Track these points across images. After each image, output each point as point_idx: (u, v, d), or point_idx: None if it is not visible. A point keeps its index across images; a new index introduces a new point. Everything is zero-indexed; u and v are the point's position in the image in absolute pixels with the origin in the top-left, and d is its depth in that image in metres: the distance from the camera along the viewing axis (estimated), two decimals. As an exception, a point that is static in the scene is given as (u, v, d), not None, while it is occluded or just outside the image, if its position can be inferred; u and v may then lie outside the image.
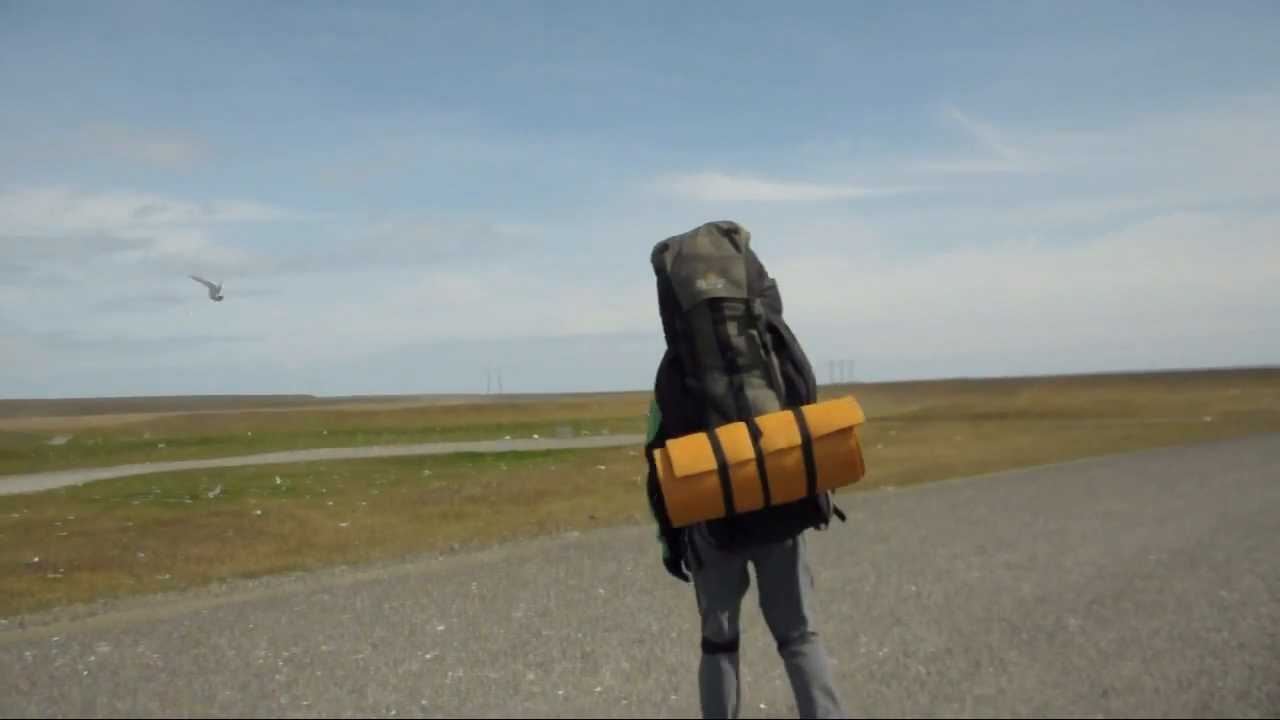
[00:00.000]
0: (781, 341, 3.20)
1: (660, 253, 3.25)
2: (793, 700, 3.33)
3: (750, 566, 3.38)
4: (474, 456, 24.95)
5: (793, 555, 3.33)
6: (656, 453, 3.08)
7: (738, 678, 3.31)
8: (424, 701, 4.69)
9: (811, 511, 3.16)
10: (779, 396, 3.15)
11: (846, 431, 3.04)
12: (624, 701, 4.61)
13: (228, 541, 10.29)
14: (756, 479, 2.98)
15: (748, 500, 3.00)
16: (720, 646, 3.33)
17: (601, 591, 7.01)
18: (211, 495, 15.87)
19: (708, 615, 3.35)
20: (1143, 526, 9.21)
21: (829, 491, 3.18)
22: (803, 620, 3.32)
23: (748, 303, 3.15)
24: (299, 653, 5.62)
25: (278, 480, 18.37)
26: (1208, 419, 36.44)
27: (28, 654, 5.84)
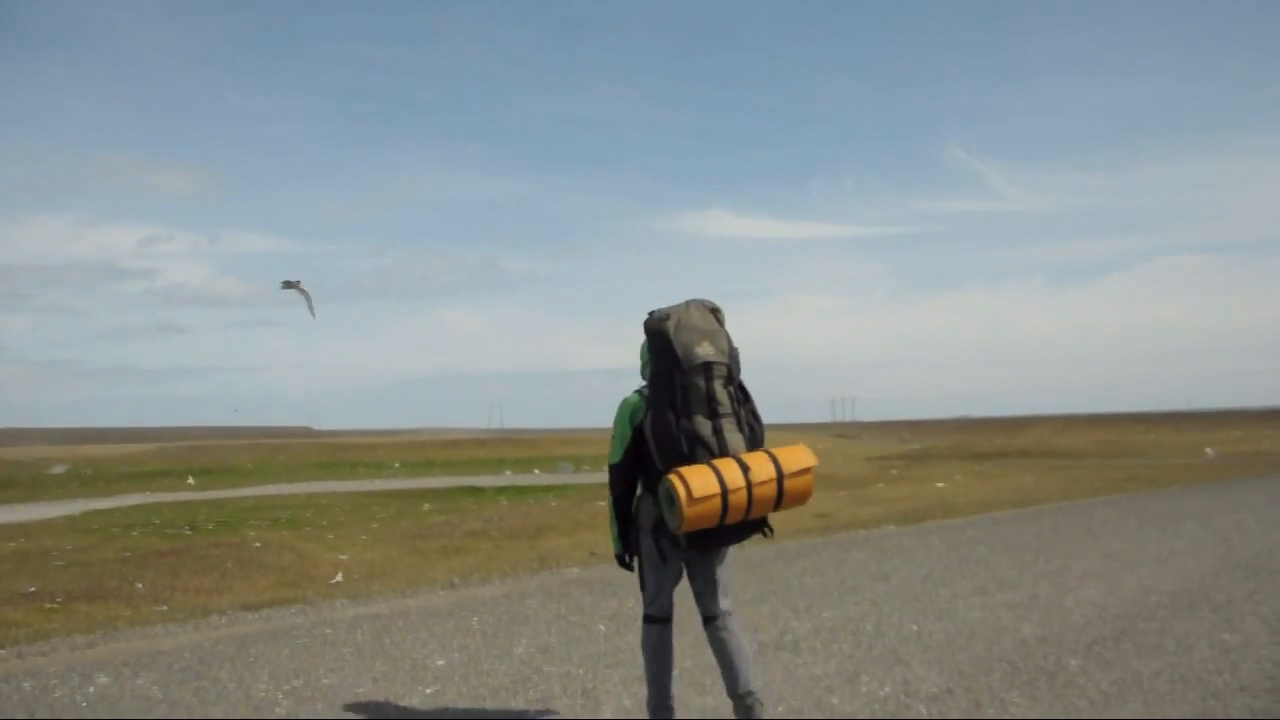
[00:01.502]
0: (746, 396, 4.29)
1: (663, 321, 4.21)
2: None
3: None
4: (475, 491, 24.86)
5: (727, 555, 4.46)
6: (673, 479, 3.98)
7: (729, 641, 4.34)
8: (424, 736, 4.69)
9: (759, 525, 4.30)
10: (745, 439, 4.21)
11: (808, 470, 4.18)
12: (624, 738, 4.60)
13: (227, 573, 10.27)
14: (745, 502, 4.03)
15: (735, 516, 4.05)
16: (663, 619, 4.46)
17: (602, 628, 7.00)
18: (210, 527, 15.84)
19: (655, 597, 4.45)
20: (1144, 567, 9.19)
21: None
22: (725, 602, 4.41)
23: (729, 366, 4.22)
24: (300, 686, 5.62)
25: (278, 512, 18.34)
26: (1210, 452, 36.37)
27: (26, 685, 5.84)
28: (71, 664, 6.40)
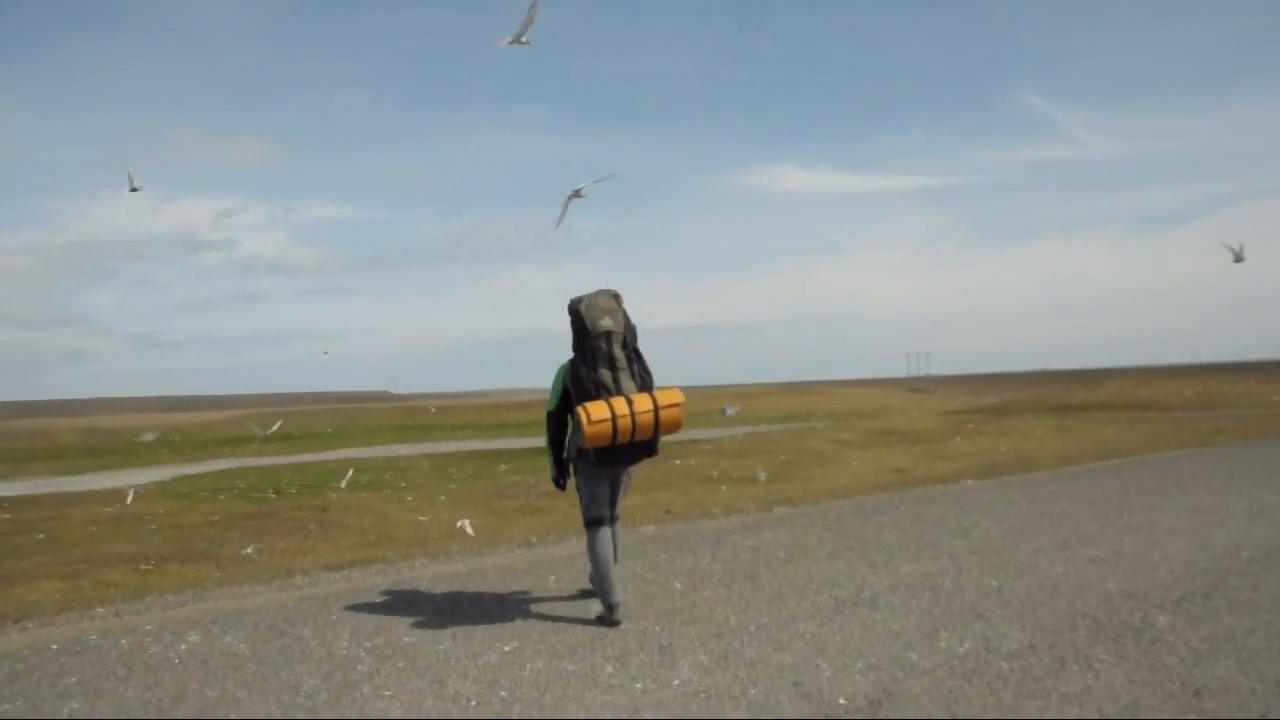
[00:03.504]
0: (638, 356, 5.96)
1: (578, 304, 5.92)
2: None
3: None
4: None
5: (628, 475, 6.26)
6: (578, 408, 5.69)
7: (614, 538, 6.21)
8: (503, 693, 4.75)
9: (650, 449, 5.90)
10: (636, 385, 5.87)
11: (677, 404, 5.79)
12: (702, 695, 4.61)
13: (310, 535, 10.51)
14: (630, 425, 5.67)
15: (624, 437, 5.68)
16: (599, 522, 6.05)
17: (678, 585, 7.01)
18: (293, 490, 16.23)
19: (589, 506, 6.10)
20: (1234, 521, 8.93)
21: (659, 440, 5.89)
22: (617, 510, 6.28)
23: (624, 335, 5.92)
24: (380, 644, 5.72)
25: (358, 475, 18.71)
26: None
27: (123, 641, 6.04)
28: (164, 622, 6.60)
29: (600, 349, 5.83)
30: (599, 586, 6.00)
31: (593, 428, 5.59)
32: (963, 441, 21.68)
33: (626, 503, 12.64)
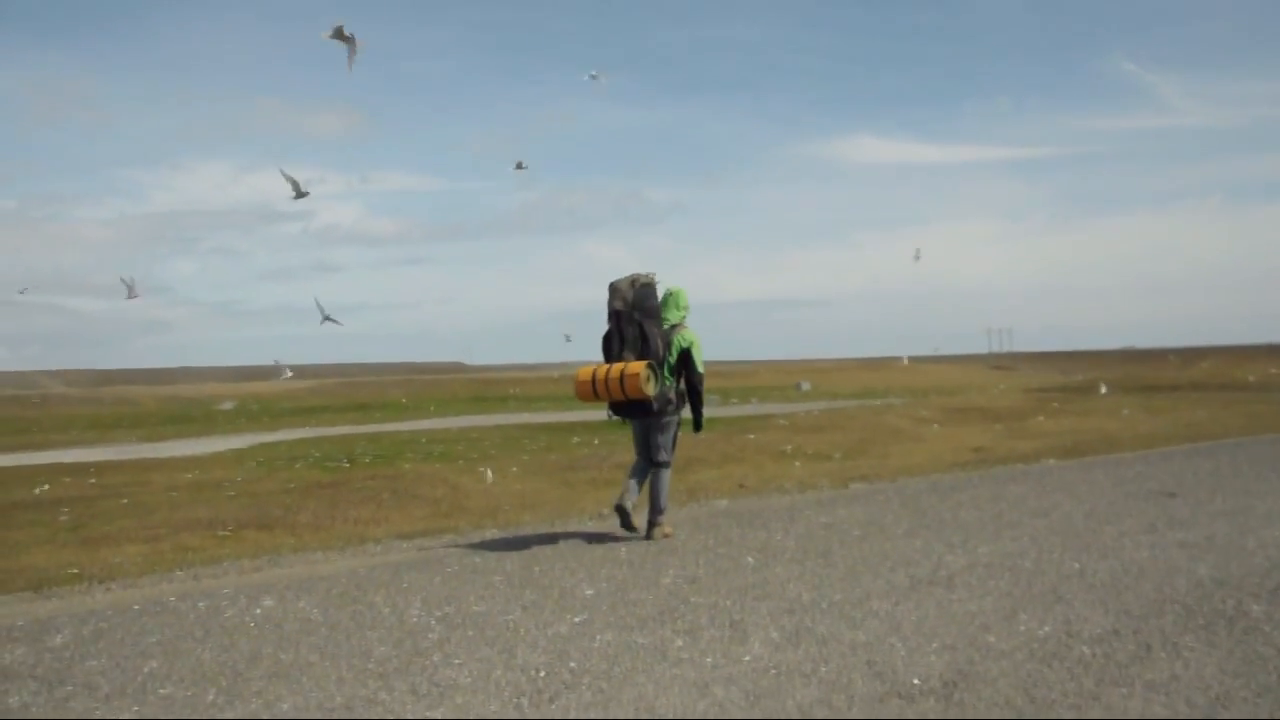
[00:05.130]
0: (643, 331, 7.49)
1: (610, 288, 7.62)
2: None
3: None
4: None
5: (651, 427, 7.80)
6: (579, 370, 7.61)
7: (644, 476, 7.92)
8: (573, 664, 4.72)
9: (641, 407, 7.53)
10: (635, 355, 7.49)
11: (635, 374, 7.25)
12: (772, 671, 4.53)
13: (383, 504, 10.64)
14: (605, 384, 7.36)
15: (602, 391, 7.40)
16: (636, 461, 8.03)
17: (750, 560, 6.93)
18: (367, 460, 16.45)
19: (635, 448, 8.18)
20: (1335, 506, 8.53)
21: (671, 402, 7.71)
22: (660, 456, 7.84)
23: (632, 313, 7.53)
24: (451, 612, 5.74)
25: (431, 446, 18.92)
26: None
27: (201, 604, 6.16)
28: (240, 586, 6.73)
29: (611, 324, 7.58)
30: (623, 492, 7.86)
31: (579, 386, 7.52)
32: (1045, 420, 21.17)
33: (698, 476, 12.57)
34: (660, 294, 7.74)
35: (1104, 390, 31.83)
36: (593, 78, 10.47)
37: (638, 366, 7.25)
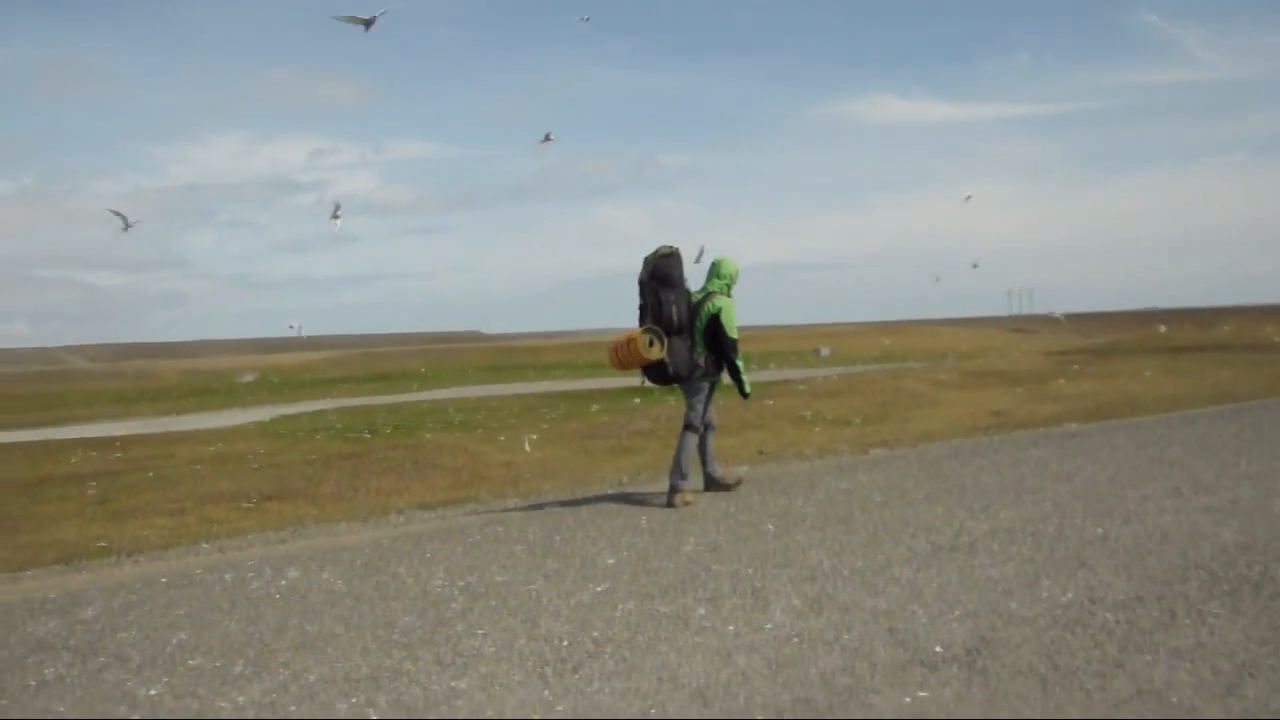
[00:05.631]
0: (660, 301, 7.66)
1: (643, 261, 7.83)
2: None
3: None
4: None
5: (692, 391, 7.98)
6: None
7: (697, 441, 8.10)
8: (595, 633, 4.75)
9: (662, 372, 7.75)
10: (652, 320, 7.65)
11: (633, 340, 7.58)
12: (795, 639, 4.54)
13: (404, 474, 10.70)
14: (619, 349, 7.72)
15: (621, 355, 7.74)
16: (687, 424, 8.10)
17: (771, 527, 6.94)
18: (388, 430, 16.54)
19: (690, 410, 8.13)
20: (1361, 469, 8.45)
21: (699, 367, 7.89)
22: (704, 421, 8.09)
23: (652, 285, 7.71)
24: (474, 582, 5.78)
25: (451, 415, 18.99)
26: None
27: (227, 576, 6.23)
28: (265, 558, 6.79)
29: (642, 296, 7.85)
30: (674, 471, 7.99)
31: (609, 355, 7.95)
32: (1066, 383, 21.03)
33: (718, 443, 12.54)
34: (708, 264, 8.18)
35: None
36: (584, 20, 10.63)
37: (636, 332, 7.63)
